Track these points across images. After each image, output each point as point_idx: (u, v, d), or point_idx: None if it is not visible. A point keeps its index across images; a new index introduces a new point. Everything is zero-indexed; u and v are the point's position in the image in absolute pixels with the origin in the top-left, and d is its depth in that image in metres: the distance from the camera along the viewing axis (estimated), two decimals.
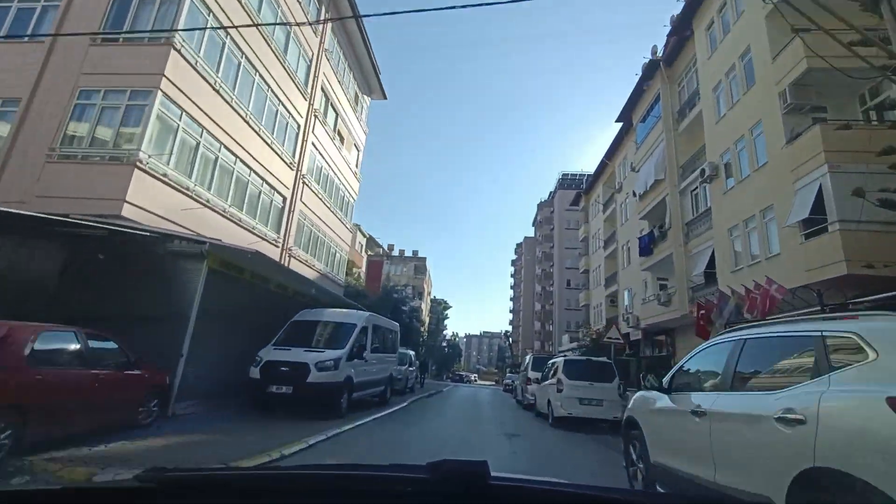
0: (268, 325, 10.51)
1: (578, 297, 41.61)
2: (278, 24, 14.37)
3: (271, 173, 15.12)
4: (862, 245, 10.80)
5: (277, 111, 15.35)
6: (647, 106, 25.54)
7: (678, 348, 21.85)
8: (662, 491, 3.54)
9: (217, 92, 11.81)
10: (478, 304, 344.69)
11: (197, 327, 8.58)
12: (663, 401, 3.88)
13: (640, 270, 24.30)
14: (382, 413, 11.12)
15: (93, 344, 5.90)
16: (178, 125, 10.53)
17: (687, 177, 20.79)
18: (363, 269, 41.74)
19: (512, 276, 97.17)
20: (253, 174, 14.03)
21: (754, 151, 15.55)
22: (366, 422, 9.43)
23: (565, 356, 12.75)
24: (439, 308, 73.63)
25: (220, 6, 11.60)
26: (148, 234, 8.14)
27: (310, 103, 17.76)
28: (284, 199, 16.28)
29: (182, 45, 10.36)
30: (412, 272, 68.41)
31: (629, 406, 4.77)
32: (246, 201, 13.79)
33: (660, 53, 24.55)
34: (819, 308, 10.76)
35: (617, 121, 30.23)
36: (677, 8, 23.30)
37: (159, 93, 9.78)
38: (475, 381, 65.89)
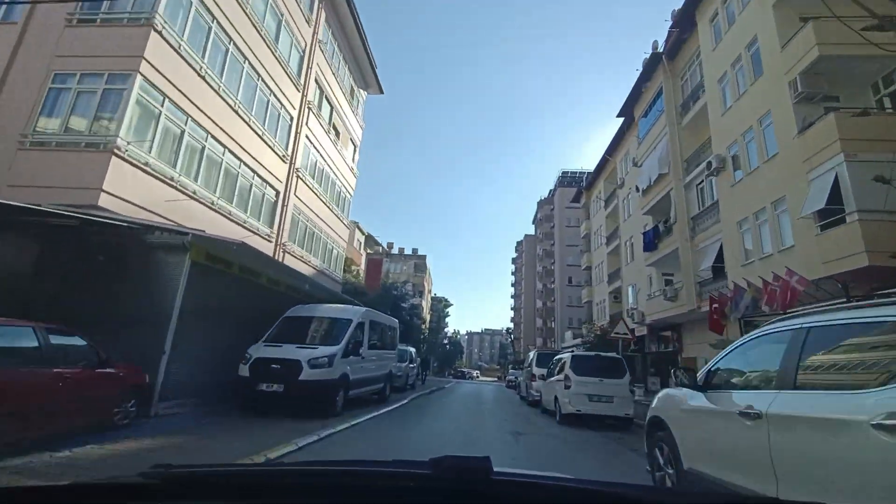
0: (259, 322, 9.99)
1: (580, 293, 41.14)
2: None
3: (263, 166, 14.56)
4: (883, 235, 10.27)
5: (269, 101, 14.78)
6: (649, 100, 25.02)
7: (685, 344, 21.37)
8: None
9: (203, 78, 11.25)
10: (479, 302, 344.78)
11: (181, 324, 8.04)
12: (698, 400, 3.34)
13: (645, 266, 23.77)
14: (381, 411, 10.61)
15: (55, 340, 5.34)
16: (161, 111, 9.97)
17: (692, 170, 20.26)
18: (362, 266, 41.15)
19: (513, 273, 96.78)
20: (243, 166, 13.46)
21: (763, 142, 15.01)
22: (362, 421, 8.92)
23: (573, 351, 12.21)
24: (440, 306, 73.14)
25: None
26: (125, 224, 7.57)
27: (303, 95, 17.20)
28: (277, 192, 15.71)
29: (164, 27, 9.79)
30: (412, 270, 67.85)
31: (654, 405, 4.22)
32: (236, 194, 13.22)
33: (661, 49, 24.03)
34: (845, 300, 10.33)
35: (618, 116, 29.72)
36: (678, 2, 22.91)
37: (139, 76, 9.21)
38: (477, 377, 65.32)
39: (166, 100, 10.09)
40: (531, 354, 17.89)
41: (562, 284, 55.32)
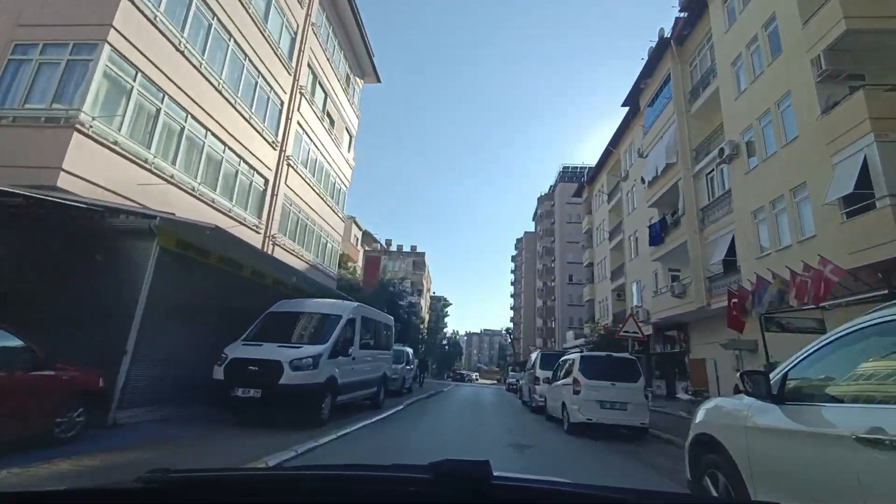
0: (243, 319, 9.14)
1: (582, 291, 40.32)
2: None
3: (250, 151, 13.70)
4: None
5: (257, 84, 13.91)
6: (655, 88, 24.15)
7: (693, 344, 20.55)
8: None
9: (182, 54, 10.38)
10: (478, 302, 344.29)
11: (148, 320, 7.22)
12: (772, 415, 2.52)
13: (650, 261, 22.94)
14: (374, 419, 9.75)
15: None
16: (133, 87, 9.11)
17: (701, 159, 19.43)
18: (359, 263, 40.28)
19: (512, 272, 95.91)
20: (228, 150, 12.60)
21: (782, 126, 14.17)
22: (351, 431, 8.05)
23: (581, 352, 11.31)
24: (439, 305, 72.23)
25: None
26: (83, 205, 6.73)
27: (295, 79, 16.32)
28: (266, 181, 14.86)
29: None
30: (411, 268, 66.97)
31: (700, 418, 3.37)
32: (220, 180, 12.37)
33: (667, 37, 23.13)
34: (887, 291, 9.51)
35: (623, 105, 28.84)
36: None
37: (106, 46, 8.35)
38: (476, 380, 64.46)
39: (139, 74, 9.23)
40: (534, 355, 16.95)
41: (562, 282, 54.53)
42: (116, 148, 8.70)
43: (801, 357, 2.62)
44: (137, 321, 7.01)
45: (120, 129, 8.84)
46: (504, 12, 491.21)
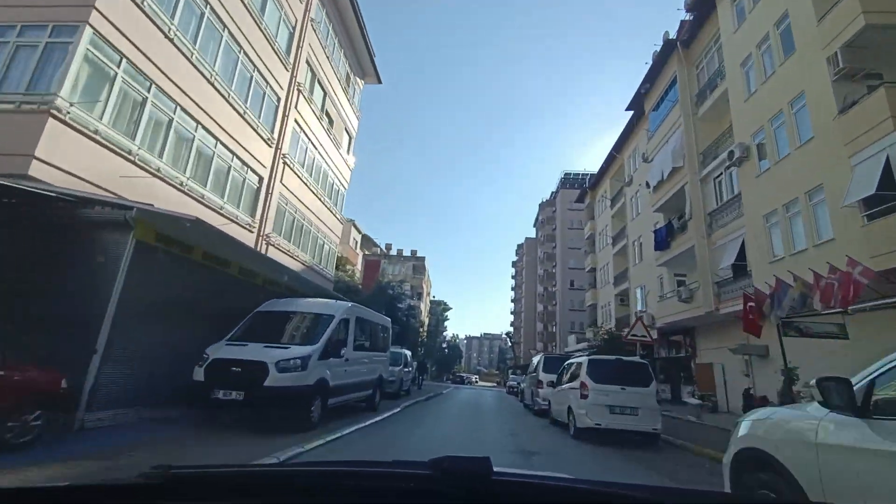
0: (231, 319, 8.64)
1: (584, 296, 39.81)
2: None
3: (244, 148, 13.22)
4: None
5: (252, 78, 13.46)
6: (661, 92, 23.71)
7: (699, 349, 19.99)
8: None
9: (172, 41, 9.93)
10: (478, 306, 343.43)
11: (123, 317, 6.69)
12: (855, 431, 2.00)
13: (656, 266, 22.39)
14: (368, 422, 9.24)
15: None
16: (117, 74, 8.64)
17: (709, 163, 18.94)
18: (358, 266, 39.73)
19: (513, 277, 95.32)
20: (220, 145, 12.12)
21: (795, 127, 13.68)
22: (343, 435, 7.55)
23: (588, 354, 10.77)
24: (439, 309, 71.61)
25: None
26: (54, 194, 6.22)
27: (293, 75, 15.88)
28: (261, 178, 14.37)
29: None
30: (410, 272, 66.37)
31: (747, 430, 2.82)
32: (211, 176, 11.87)
33: (673, 38, 22.75)
34: None
35: (627, 109, 28.46)
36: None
37: (88, 28, 7.88)
38: (476, 382, 63.63)
39: (124, 60, 8.77)
40: (537, 359, 16.40)
41: (563, 287, 54.04)
42: (97, 137, 8.21)
43: (892, 363, 2.07)
44: (110, 318, 6.48)
45: (102, 118, 8.35)
46: (504, 12, 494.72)
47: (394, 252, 69.35)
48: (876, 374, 2.11)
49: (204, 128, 11.34)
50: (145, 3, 9.18)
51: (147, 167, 9.51)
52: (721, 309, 16.50)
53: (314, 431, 7.39)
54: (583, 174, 60.97)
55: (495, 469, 0.91)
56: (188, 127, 10.85)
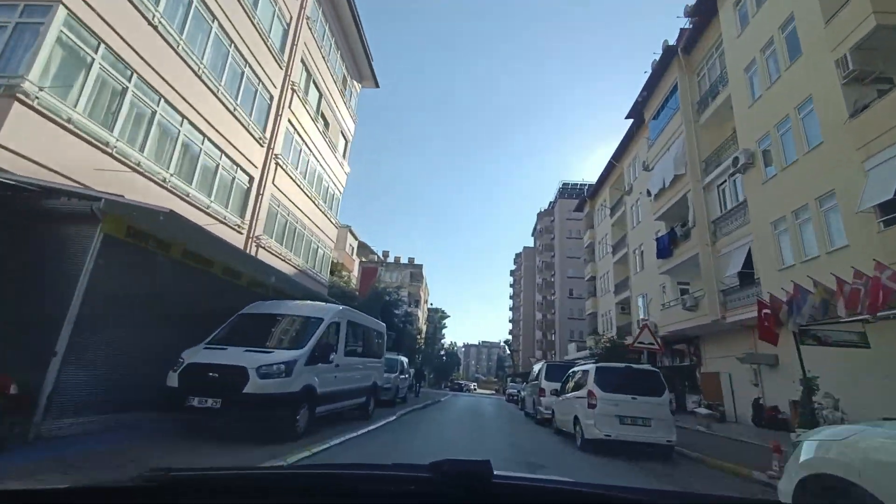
0: (212, 320, 8.07)
1: (584, 305, 39.34)
2: None
3: (234, 146, 12.71)
4: None
5: (243, 73, 13.00)
6: (661, 99, 23.43)
7: (704, 358, 19.43)
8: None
9: (156, 29, 9.46)
10: (476, 315, 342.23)
11: (88, 317, 6.12)
12: None
13: (658, 274, 21.92)
14: (360, 432, 8.65)
15: None
16: (94, 59, 8.14)
17: (712, 170, 18.57)
18: (354, 272, 39.09)
19: (511, 286, 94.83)
20: (208, 142, 11.61)
21: (803, 132, 13.29)
22: (331, 446, 6.97)
23: (596, 363, 10.22)
24: (436, 316, 70.92)
25: None
26: (12, 182, 5.67)
27: (287, 74, 15.45)
28: (251, 178, 13.84)
29: None
30: (408, 279, 65.72)
31: (812, 454, 2.30)
32: (198, 174, 11.34)
33: (673, 45, 22.53)
34: None
35: (627, 117, 28.21)
36: (679, 5, 21.53)
37: (61, 8, 7.40)
38: (474, 390, 62.64)
39: (102, 46, 8.27)
40: (539, 366, 15.81)
41: (563, 296, 53.59)
42: (70, 126, 7.68)
43: None
44: (72, 318, 5.90)
45: (76, 106, 7.83)
46: (503, 21, 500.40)
47: (391, 259, 68.78)
48: None
49: (190, 122, 10.84)
50: None
51: (126, 161, 8.97)
52: (728, 317, 15.99)
53: (300, 442, 6.84)
54: (581, 184, 60.82)
55: (495, 472, 0.91)
56: (173, 121, 10.34)
